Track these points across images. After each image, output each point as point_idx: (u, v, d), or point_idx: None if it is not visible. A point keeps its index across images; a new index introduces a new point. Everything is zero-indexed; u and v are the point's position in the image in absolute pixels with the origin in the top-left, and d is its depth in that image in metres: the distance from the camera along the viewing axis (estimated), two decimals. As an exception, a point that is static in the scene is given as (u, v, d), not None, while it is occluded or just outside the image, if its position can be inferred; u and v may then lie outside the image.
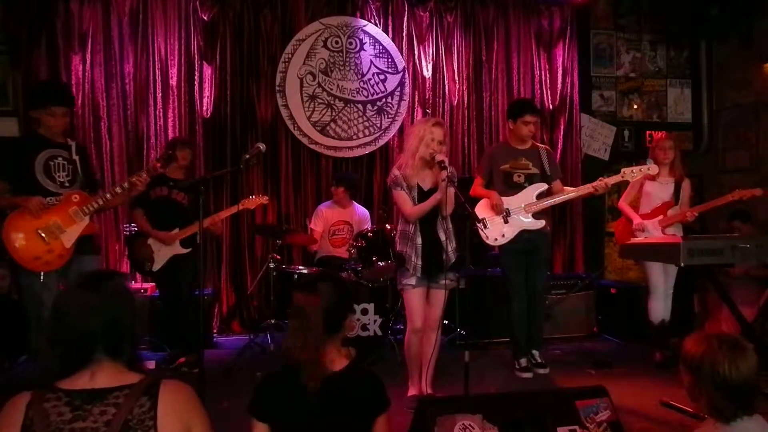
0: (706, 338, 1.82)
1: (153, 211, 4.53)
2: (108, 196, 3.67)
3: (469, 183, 4.60)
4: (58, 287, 3.53)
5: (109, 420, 1.41)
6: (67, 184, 3.66)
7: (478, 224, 4.05)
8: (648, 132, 6.71)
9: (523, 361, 4.39)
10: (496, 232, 4.30)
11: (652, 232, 4.52)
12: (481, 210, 4.35)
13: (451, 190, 3.42)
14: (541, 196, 4.34)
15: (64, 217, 3.53)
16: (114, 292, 1.54)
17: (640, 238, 4.39)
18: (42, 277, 3.46)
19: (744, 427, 1.75)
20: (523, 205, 4.29)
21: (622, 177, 4.34)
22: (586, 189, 4.37)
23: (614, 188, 4.98)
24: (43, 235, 3.46)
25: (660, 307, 4.59)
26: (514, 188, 4.35)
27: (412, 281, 3.53)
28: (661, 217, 4.57)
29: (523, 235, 4.29)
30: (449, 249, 3.56)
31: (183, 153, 4.60)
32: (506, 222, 4.29)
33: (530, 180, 4.36)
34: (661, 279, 4.57)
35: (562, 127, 6.46)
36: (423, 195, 3.54)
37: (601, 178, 4.36)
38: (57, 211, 3.53)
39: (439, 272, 3.55)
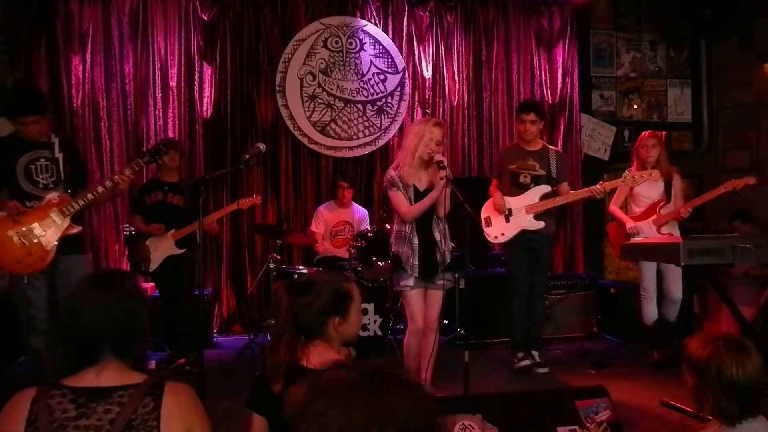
0: (712, 340, 1.82)
1: (149, 216, 4.55)
2: (89, 195, 3.57)
3: (472, 183, 4.64)
4: (46, 287, 3.53)
5: (113, 419, 1.41)
6: (51, 186, 3.60)
7: (481, 222, 4.10)
8: (648, 132, 6.71)
9: (521, 354, 4.43)
10: (496, 230, 4.39)
11: (646, 233, 4.47)
12: (487, 208, 4.45)
13: (448, 191, 3.43)
14: (545, 198, 4.35)
15: (42, 220, 3.49)
16: (127, 293, 1.55)
17: (639, 239, 4.38)
18: (26, 278, 3.45)
19: (749, 429, 1.75)
20: (524, 206, 4.31)
21: (623, 181, 4.32)
22: (584, 193, 4.39)
23: (612, 189, 4.97)
24: (20, 238, 3.44)
25: (652, 309, 4.59)
26: (520, 188, 4.39)
27: (410, 282, 3.53)
28: (654, 216, 4.51)
29: (525, 234, 4.33)
30: (445, 249, 3.57)
31: (169, 154, 4.47)
32: (507, 221, 4.33)
33: (536, 181, 4.38)
34: (653, 282, 4.57)
35: (562, 127, 6.46)
36: (419, 195, 3.54)
37: (601, 182, 4.35)
38: (35, 215, 3.49)
39: (436, 273, 3.55)
